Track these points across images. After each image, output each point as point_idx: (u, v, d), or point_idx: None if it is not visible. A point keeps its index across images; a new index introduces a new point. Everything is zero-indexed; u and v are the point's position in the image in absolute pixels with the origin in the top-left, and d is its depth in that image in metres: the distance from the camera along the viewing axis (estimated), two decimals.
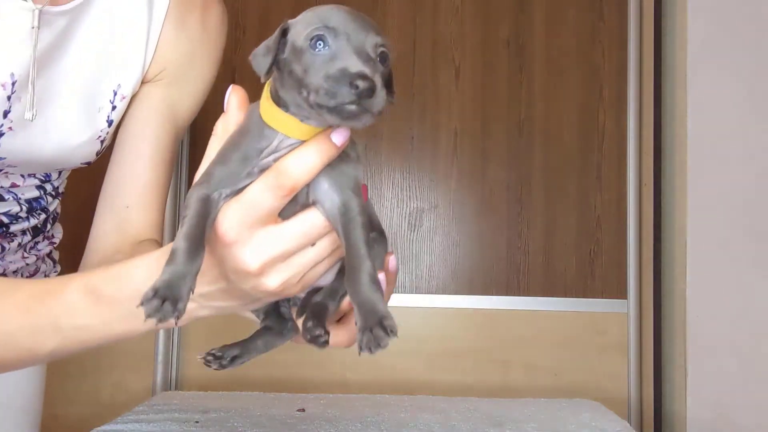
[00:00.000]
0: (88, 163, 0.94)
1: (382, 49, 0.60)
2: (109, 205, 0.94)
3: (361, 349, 0.57)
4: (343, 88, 0.56)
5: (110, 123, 0.92)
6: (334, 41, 0.59)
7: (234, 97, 0.67)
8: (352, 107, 0.56)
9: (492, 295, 2.01)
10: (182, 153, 2.00)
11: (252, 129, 0.64)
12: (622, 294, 1.98)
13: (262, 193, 0.61)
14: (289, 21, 0.64)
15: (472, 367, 1.98)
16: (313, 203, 0.63)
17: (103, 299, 0.68)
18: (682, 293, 1.87)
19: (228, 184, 0.62)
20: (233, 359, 0.70)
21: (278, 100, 0.64)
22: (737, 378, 1.82)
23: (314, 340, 0.64)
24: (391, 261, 0.68)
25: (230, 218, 0.61)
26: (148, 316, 0.56)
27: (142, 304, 0.56)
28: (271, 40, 0.63)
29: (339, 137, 0.62)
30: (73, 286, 0.70)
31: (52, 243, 1.03)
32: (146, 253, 0.69)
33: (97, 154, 0.94)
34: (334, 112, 0.57)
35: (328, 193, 0.63)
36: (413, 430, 1.09)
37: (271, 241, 0.62)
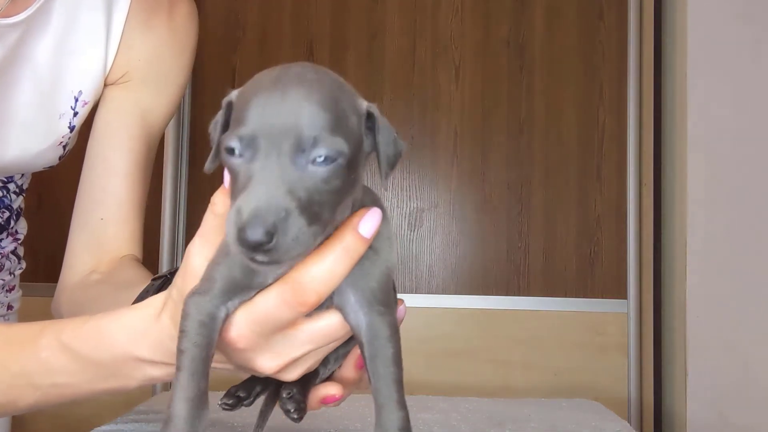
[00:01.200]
0: (52, 167, 0.92)
1: (322, 152, 0.45)
2: (83, 219, 0.89)
3: None
4: (231, 234, 0.44)
5: (72, 128, 0.90)
6: (247, 151, 0.46)
7: None
8: (256, 260, 0.45)
9: (492, 295, 2.01)
10: (181, 155, 2.00)
11: None
12: (622, 294, 1.98)
13: (278, 308, 0.52)
14: (234, 92, 0.50)
15: (472, 367, 1.98)
16: (337, 308, 0.54)
17: (82, 360, 0.62)
18: (682, 293, 1.87)
19: (235, 294, 0.52)
20: (258, 395, 0.63)
21: None
22: (737, 378, 1.81)
23: (285, 413, 0.59)
24: (400, 310, 0.58)
25: (241, 326, 0.54)
26: None
27: None
28: (219, 114, 0.51)
29: (369, 227, 0.51)
30: (45, 341, 0.63)
31: (16, 239, 1.00)
32: (116, 312, 0.62)
33: (59, 158, 0.91)
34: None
35: (353, 306, 0.53)
36: (413, 430, 1.09)
37: (289, 347, 0.55)
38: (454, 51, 2.06)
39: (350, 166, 0.47)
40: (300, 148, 0.45)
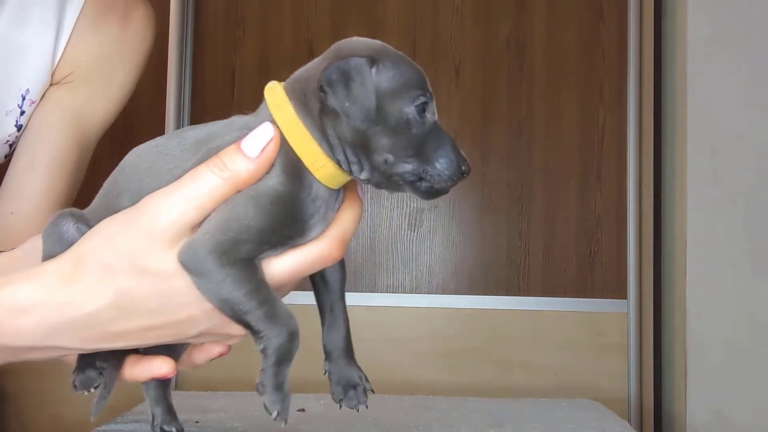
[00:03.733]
0: None
1: None
2: None
3: (344, 401, 0.65)
4: (456, 173, 0.55)
5: (19, 127, 0.88)
6: (430, 112, 0.56)
7: (272, 148, 0.54)
8: (446, 188, 0.56)
9: (492, 295, 2.01)
10: None
11: (297, 186, 0.55)
12: (622, 294, 1.98)
13: (319, 259, 0.58)
14: (370, 55, 0.55)
15: (472, 367, 1.98)
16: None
17: None
18: (682, 293, 1.87)
19: (269, 247, 0.56)
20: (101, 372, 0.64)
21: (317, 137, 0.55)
22: (737, 378, 1.81)
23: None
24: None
25: (272, 278, 0.57)
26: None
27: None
28: (356, 73, 0.53)
29: (362, 191, 0.62)
30: None
31: None
32: None
33: (5, 157, 0.90)
34: (420, 191, 0.56)
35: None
36: (413, 430, 1.09)
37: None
38: (454, 51, 2.06)
39: None
40: None
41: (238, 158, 0.52)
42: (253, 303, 0.54)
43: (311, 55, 2.22)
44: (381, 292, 1.95)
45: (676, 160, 1.94)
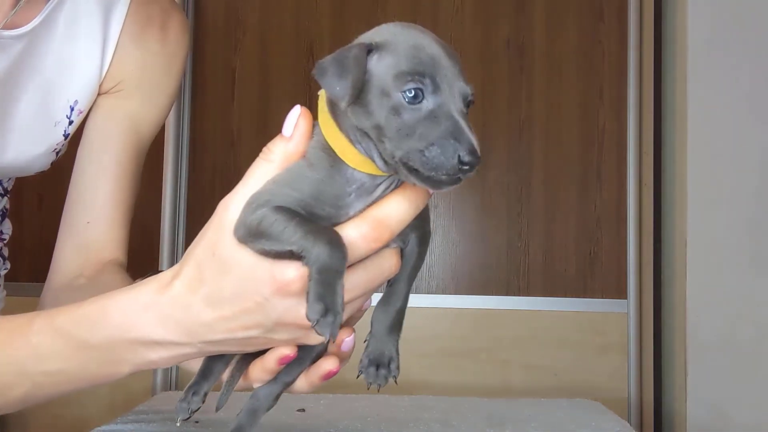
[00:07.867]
0: (43, 172, 0.94)
1: (471, 98, 0.56)
2: (70, 222, 0.92)
3: (364, 374, 0.62)
4: (449, 162, 0.52)
5: (66, 136, 0.92)
6: (433, 95, 0.53)
7: (303, 122, 0.57)
8: (450, 179, 0.52)
9: (492, 295, 2.01)
10: (181, 155, 2.00)
11: (331, 169, 0.56)
12: (622, 294, 1.98)
13: (353, 243, 0.55)
14: (373, 41, 0.57)
15: (472, 367, 1.98)
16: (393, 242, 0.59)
17: (75, 343, 0.62)
18: (682, 293, 1.87)
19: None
20: (206, 394, 0.68)
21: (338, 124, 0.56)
22: (737, 378, 1.82)
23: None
24: (346, 342, 0.62)
25: (302, 265, 0.54)
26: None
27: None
28: (348, 59, 0.54)
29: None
30: (37, 326, 0.63)
31: (1, 240, 1.02)
32: (116, 291, 0.63)
33: (51, 164, 0.94)
34: (424, 180, 0.52)
35: (412, 242, 0.61)
36: (413, 430, 1.09)
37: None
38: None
39: None
40: (467, 97, 0.56)
41: (280, 141, 0.58)
42: (285, 223, 0.54)
43: (311, 56, 2.21)
44: (380, 292, 1.96)
45: (676, 160, 1.94)
